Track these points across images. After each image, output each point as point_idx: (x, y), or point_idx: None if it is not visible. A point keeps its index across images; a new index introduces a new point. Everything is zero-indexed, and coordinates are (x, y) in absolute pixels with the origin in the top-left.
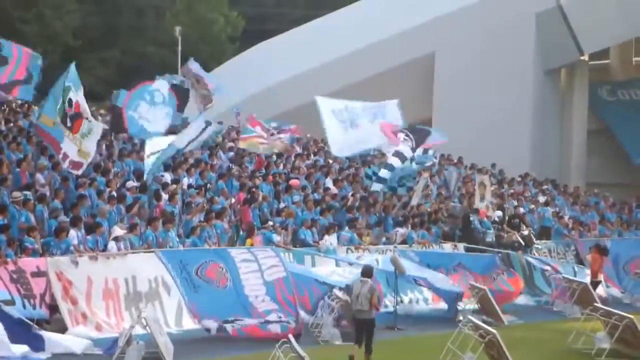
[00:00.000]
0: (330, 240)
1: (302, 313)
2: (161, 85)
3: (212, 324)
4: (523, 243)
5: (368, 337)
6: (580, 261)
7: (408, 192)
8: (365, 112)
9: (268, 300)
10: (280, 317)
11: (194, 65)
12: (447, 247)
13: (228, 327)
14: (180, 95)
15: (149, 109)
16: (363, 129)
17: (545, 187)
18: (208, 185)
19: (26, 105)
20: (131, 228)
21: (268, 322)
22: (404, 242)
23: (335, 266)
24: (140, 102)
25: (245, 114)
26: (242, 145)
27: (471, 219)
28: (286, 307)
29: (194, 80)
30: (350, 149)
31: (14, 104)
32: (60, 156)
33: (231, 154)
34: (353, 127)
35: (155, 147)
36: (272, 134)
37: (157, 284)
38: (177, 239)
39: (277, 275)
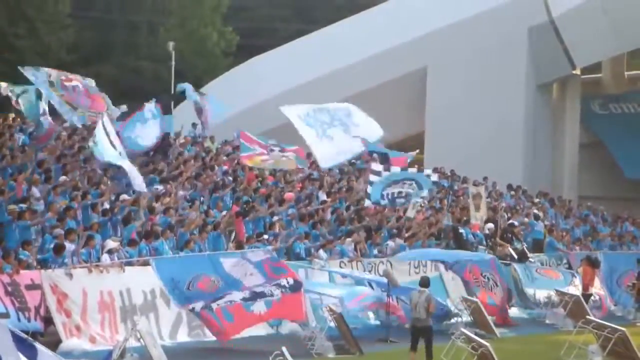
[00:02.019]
0: (322, 256)
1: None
2: (149, 106)
3: (198, 304)
4: (516, 257)
5: (428, 343)
6: None
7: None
8: (334, 121)
9: (256, 272)
10: (268, 291)
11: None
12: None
13: (214, 305)
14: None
15: (142, 128)
16: (339, 140)
17: (537, 200)
18: (202, 198)
19: (19, 119)
20: (130, 243)
21: (253, 296)
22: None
23: (329, 281)
24: (135, 124)
25: (236, 129)
26: (248, 163)
27: (461, 231)
28: (275, 276)
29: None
30: (333, 159)
31: (10, 118)
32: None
33: (225, 167)
34: (327, 138)
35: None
36: (273, 150)
37: (155, 295)
38: (170, 253)
39: (263, 255)
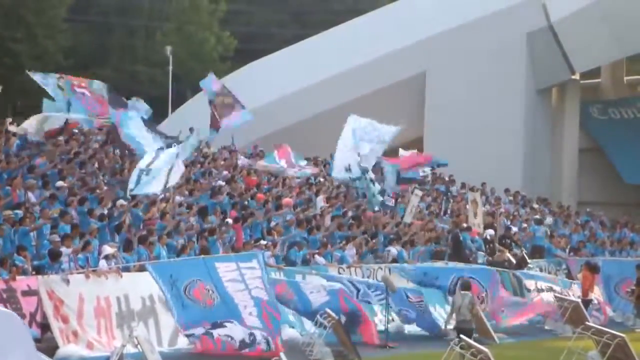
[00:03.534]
0: (320, 262)
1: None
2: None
3: (199, 330)
4: (515, 262)
5: None
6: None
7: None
8: (372, 137)
9: (255, 313)
10: (260, 339)
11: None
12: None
13: (214, 332)
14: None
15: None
16: (363, 155)
17: (536, 205)
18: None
19: (16, 124)
20: (126, 248)
21: (251, 342)
22: (394, 261)
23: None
24: (130, 122)
25: (242, 134)
26: (259, 167)
27: (461, 237)
28: (270, 325)
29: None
30: (340, 173)
31: (7, 122)
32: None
33: (225, 172)
34: (354, 150)
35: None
36: (294, 167)
37: (153, 301)
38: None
39: (261, 295)
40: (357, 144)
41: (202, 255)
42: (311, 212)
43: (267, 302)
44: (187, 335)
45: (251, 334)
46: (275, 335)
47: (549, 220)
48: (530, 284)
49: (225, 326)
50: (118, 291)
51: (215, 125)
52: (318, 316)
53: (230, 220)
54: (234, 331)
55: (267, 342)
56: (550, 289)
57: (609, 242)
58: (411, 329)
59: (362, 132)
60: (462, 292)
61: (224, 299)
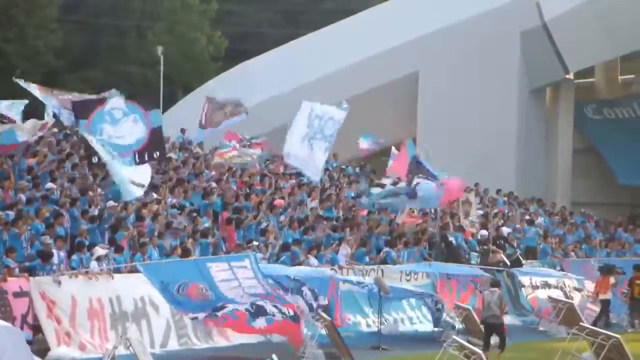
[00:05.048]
0: (312, 263)
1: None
2: (115, 103)
3: (201, 314)
4: (509, 263)
5: (502, 338)
6: None
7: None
8: (317, 134)
9: (252, 292)
10: (270, 310)
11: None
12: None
13: (218, 312)
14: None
15: (114, 128)
16: (316, 153)
17: (530, 206)
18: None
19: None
20: (117, 250)
21: (256, 311)
22: (385, 261)
23: None
24: (103, 126)
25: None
26: (217, 159)
27: (450, 238)
28: (274, 298)
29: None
30: (295, 161)
31: None
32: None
33: (213, 173)
34: (308, 145)
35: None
36: (244, 146)
37: (145, 303)
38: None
39: (257, 290)
40: (312, 136)
41: (194, 257)
42: (303, 213)
43: (266, 293)
44: (192, 319)
45: (255, 305)
46: (288, 301)
47: (540, 220)
48: (525, 280)
49: (225, 307)
50: (110, 292)
51: (205, 126)
52: (310, 317)
53: (208, 224)
54: (236, 306)
55: (281, 311)
56: (546, 285)
57: (604, 243)
58: (405, 329)
59: (318, 121)
60: (492, 289)
61: (219, 296)
